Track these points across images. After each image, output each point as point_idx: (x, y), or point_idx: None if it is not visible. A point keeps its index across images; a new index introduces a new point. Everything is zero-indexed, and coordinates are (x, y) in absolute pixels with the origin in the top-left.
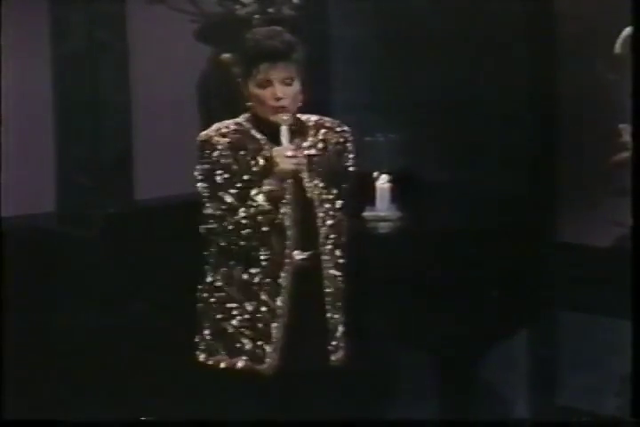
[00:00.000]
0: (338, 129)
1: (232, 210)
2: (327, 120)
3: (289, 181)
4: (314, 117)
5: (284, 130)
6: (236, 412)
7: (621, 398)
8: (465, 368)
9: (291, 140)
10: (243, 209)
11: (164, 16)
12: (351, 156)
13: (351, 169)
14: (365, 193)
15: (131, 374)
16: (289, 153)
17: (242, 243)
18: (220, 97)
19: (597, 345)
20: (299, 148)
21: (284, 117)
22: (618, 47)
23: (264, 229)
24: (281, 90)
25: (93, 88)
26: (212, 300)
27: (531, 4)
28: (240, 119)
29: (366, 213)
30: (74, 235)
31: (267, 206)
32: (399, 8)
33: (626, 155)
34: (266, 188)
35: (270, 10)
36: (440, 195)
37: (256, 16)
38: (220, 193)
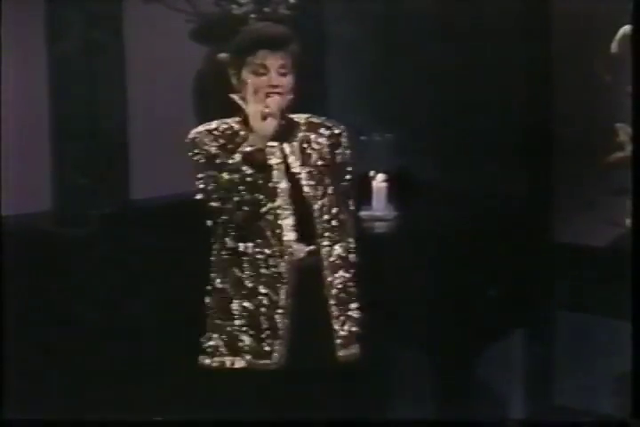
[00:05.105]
0: (329, 127)
1: (227, 188)
2: (318, 118)
3: (283, 182)
4: (304, 116)
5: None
6: (240, 410)
7: (619, 399)
8: (464, 368)
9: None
10: (229, 177)
11: (160, 15)
12: (346, 154)
13: (349, 168)
14: (362, 192)
15: (131, 374)
16: (266, 110)
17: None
18: (217, 97)
19: (595, 345)
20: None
21: (269, 122)
22: (615, 47)
23: (258, 196)
24: (276, 78)
25: (90, 88)
26: (212, 300)
27: (528, 4)
28: (229, 121)
29: (363, 213)
30: (70, 234)
31: (247, 169)
32: (396, 7)
33: (621, 154)
34: (244, 149)
35: (267, 9)
36: (437, 194)
37: (252, 16)
38: (215, 173)
